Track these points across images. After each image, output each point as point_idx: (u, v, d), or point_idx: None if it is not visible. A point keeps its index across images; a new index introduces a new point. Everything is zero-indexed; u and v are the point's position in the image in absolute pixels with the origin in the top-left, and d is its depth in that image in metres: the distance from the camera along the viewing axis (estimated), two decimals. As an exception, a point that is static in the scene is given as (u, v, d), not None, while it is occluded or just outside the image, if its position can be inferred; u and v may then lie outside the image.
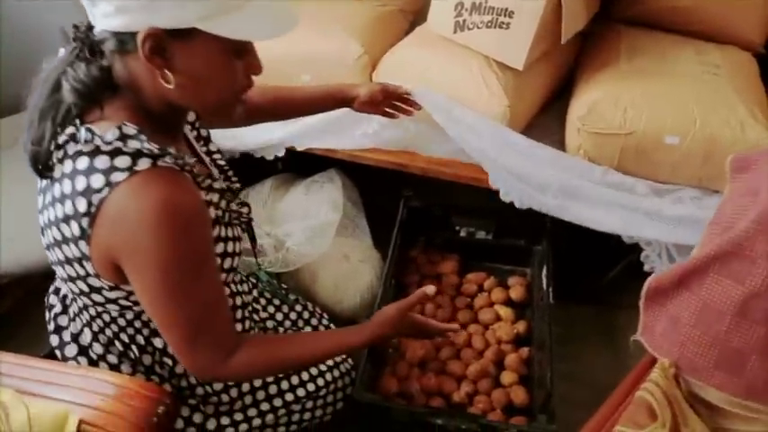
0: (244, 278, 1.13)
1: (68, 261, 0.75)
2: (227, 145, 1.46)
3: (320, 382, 1.10)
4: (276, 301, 1.23)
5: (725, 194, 0.79)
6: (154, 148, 0.69)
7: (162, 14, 0.64)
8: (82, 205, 0.68)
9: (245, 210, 0.94)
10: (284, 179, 1.64)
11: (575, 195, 1.22)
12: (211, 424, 0.96)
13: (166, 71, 0.68)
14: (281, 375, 1.05)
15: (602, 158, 1.21)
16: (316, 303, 1.36)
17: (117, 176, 0.67)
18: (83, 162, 0.68)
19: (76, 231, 0.70)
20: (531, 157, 1.23)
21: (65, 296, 0.90)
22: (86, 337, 0.86)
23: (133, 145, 0.68)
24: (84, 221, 0.68)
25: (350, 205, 1.58)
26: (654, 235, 1.20)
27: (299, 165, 1.65)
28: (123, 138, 0.68)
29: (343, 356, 1.18)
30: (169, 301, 0.73)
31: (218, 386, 0.98)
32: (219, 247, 0.83)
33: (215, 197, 0.83)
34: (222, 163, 0.97)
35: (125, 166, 0.67)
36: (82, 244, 0.71)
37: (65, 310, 0.90)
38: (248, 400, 1.01)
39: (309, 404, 1.10)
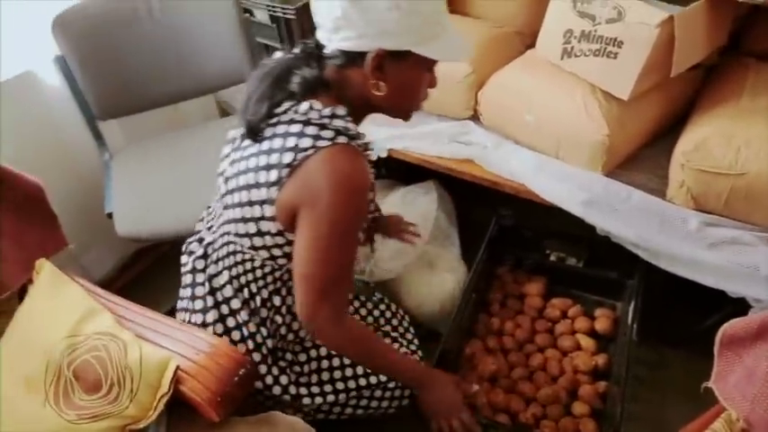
0: None
1: (250, 203, 0.92)
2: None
3: (387, 394, 1.17)
4: (362, 298, 1.32)
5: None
6: (353, 129, 0.89)
7: (390, 40, 0.83)
8: (288, 158, 0.86)
9: (374, 205, 1.12)
10: (385, 185, 1.73)
11: (666, 247, 1.19)
12: (293, 389, 1.06)
13: (380, 82, 0.87)
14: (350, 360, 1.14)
15: (708, 198, 1.15)
16: (398, 304, 1.43)
17: (322, 143, 0.85)
18: (296, 127, 0.87)
19: (273, 177, 0.87)
20: (626, 200, 1.20)
21: (209, 243, 1.05)
22: (222, 278, 1.02)
23: (338, 123, 0.87)
24: (285, 171, 0.86)
25: (443, 216, 1.63)
26: (762, 294, 1.12)
27: (403, 174, 1.73)
28: (333, 116, 0.87)
29: (419, 356, 1.24)
30: (321, 252, 0.89)
31: (303, 356, 1.10)
32: None
33: (369, 194, 1.01)
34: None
35: (329, 137, 0.86)
36: (273, 190, 0.88)
37: (205, 255, 1.05)
38: (326, 376, 1.11)
39: (378, 393, 1.17)
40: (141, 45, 1.45)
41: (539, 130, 1.33)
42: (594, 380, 1.31)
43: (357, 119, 0.95)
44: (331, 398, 1.10)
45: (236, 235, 0.97)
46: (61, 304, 0.94)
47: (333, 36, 0.86)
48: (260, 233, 0.94)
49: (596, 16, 1.15)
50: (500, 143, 1.42)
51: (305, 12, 1.53)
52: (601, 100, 1.22)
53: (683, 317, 1.44)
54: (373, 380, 1.14)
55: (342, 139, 0.86)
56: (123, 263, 1.72)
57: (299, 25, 1.54)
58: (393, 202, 1.58)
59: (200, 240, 1.09)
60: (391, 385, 1.17)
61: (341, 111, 0.88)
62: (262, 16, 1.60)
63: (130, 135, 1.63)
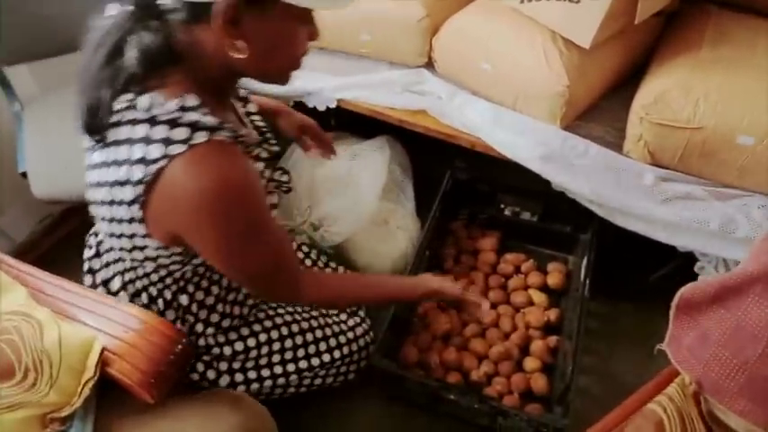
0: None
1: (116, 220, 0.77)
2: (278, 92, 1.48)
3: (336, 354, 1.13)
4: (308, 261, 1.25)
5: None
6: (212, 121, 0.70)
7: None
8: (138, 173, 0.69)
9: (285, 178, 0.95)
10: (333, 137, 1.63)
11: (622, 203, 1.16)
12: (224, 380, 1.00)
13: (239, 41, 0.68)
14: (299, 343, 1.09)
15: (664, 153, 1.13)
16: (346, 262, 1.38)
17: (174, 149, 0.67)
18: (141, 130, 0.69)
19: (130, 196, 0.71)
20: (583, 155, 1.16)
21: (100, 242, 0.94)
22: (115, 285, 0.91)
23: (190, 117, 0.69)
24: (139, 188, 0.70)
25: (398, 170, 1.57)
26: (710, 249, 1.12)
27: (353, 126, 1.64)
28: (183, 109, 0.69)
29: (365, 329, 1.20)
30: (243, 260, 0.78)
31: (236, 346, 1.02)
32: None
33: (261, 166, 0.86)
34: (261, 124, 0.98)
35: (182, 138, 0.68)
36: (134, 208, 0.72)
37: (98, 255, 0.94)
38: (263, 361, 1.05)
39: (322, 372, 1.13)
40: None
41: (496, 79, 1.26)
42: (546, 335, 1.32)
43: (220, 91, 0.79)
44: (268, 382, 1.06)
45: (115, 246, 0.83)
46: (-36, 280, 0.83)
47: None
48: (138, 248, 0.79)
49: (559, -45, 1.07)
50: (455, 93, 1.34)
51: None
52: (561, 48, 1.16)
53: (631, 270, 1.46)
54: (315, 362, 1.10)
55: (200, 137, 0.68)
56: (48, 223, 1.58)
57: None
58: (343, 159, 1.50)
59: (96, 234, 0.97)
60: (336, 364, 1.13)
61: (191, 101, 0.70)
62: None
63: (43, 83, 1.46)
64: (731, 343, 0.70)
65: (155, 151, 0.68)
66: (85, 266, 0.97)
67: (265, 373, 1.05)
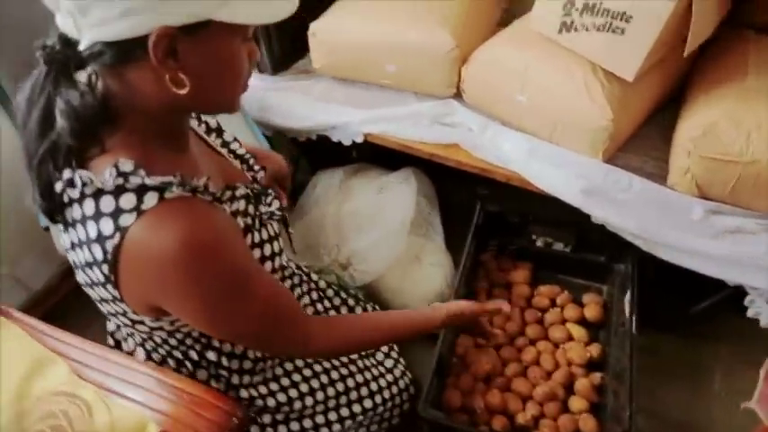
0: (294, 271, 1.11)
1: (104, 300, 0.71)
2: (304, 125, 1.45)
3: (378, 399, 1.09)
4: (337, 300, 1.21)
5: None
6: (156, 180, 0.62)
7: (173, 11, 0.57)
8: (99, 253, 0.63)
9: (275, 206, 0.87)
10: (356, 169, 1.60)
11: (668, 238, 1.14)
12: (255, 430, 0.95)
13: (179, 74, 0.61)
14: (340, 390, 1.04)
15: (713, 186, 1.10)
16: (378, 301, 1.34)
17: (125, 219, 0.61)
18: (89, 206, 0.63)
19: (101, 277, 0.65)
20: (627, 189, 1.13)
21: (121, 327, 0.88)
22: (140, 356, 0.86)
23: (135, 181, 0.62)
24: (105, 268, 0.64)
25: (425, 202, 1.53)
26: (761, 283, 1.09)
27: (375, 157, 1.60)
28: (121, 175, 0.61)
29: (402, 369, 1.16)
30: (226, 324, 0.71)
31: (279, 397, 0.97)
32: (257, 253, 0.80)
33: (241, 205, 0.78)
34: (242, 152, 0.93)
35: (131, 207, 0.61)
36: (110, 287, 0.66)
37: (118, 327, 0.88)
38: (307, 412, 1.01)
39: (366, 420, 1.09)
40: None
41: (531, 111, 1.23)
42: (589, 372, 1.28)
43: (174, 135, 0.71)
44: (309, 425, 1.02)
45: (120, 324, 0.77)
46: (1, 356, 0.78)
47: (81, 20, 0.57)
48: (138, 322, 0.73)
49: (602, -13, 1.04)
50: (487, 125, 1.31)
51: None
52: (603, 81, 1.12)
53: (671, 301, 1.43)
54: (356, 408, 1.06)
55: (150, 200, 0.61)
56: (65, 268, 1.52)
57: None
58: (369, 193, 1.46)
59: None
60: (379, 410, 1.09)
61: (125, 165, 0.62)
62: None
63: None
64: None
65: (106, 227, 0.62)
66: (109, 340, 0.91)
67: (308, 423, 1.01)
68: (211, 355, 0.85)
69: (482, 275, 1.47)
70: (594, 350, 1.30)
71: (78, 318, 1.21)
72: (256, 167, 0.94)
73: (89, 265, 0.65)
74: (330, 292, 1.21)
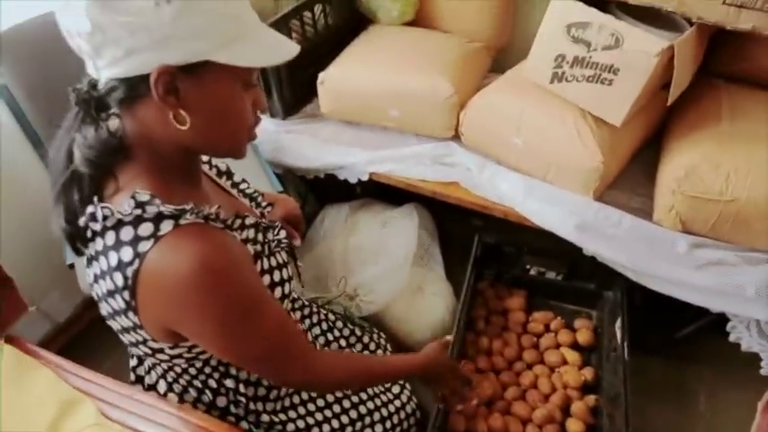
0: (305, 303, 1.08)
1: (125, 330, 0.68)
2: (313, 165, 1.43)
3: (388, 424, 1.06)
4: (346, 331, 1.18)
5: None
6: (170, 208, 0.62)
7: (174, 50, 0.57)
8: (119, 280, 0.62)
9: (282, 235, 0.84)
10: (361, 204, 1.58)
11: (655, 270, 1.12)
12: None
13: (181, 111, 0.60)
14: (354, 418, 1.01)
15: (695, 222, 1.09)
16: (384, 330, 1.30)
17: (143, 246, 0.60)
18: (110, 237, 0.62)
19: (122, 304, 0.64)
20: (617, 225, 1.13)
21: (143, 359, 0.85)
22: (161, 387, 0.82)
23: (151, 210, 0.61)
24: (126, 294, 0.62)
25: (425, 235, 1.51)
26: (744, 311, 1.08)
27: (378, 193, 1.58)
28: (139, 205, 0.61)
29: (408, 395, 1.13)
30: (238, 346, 0.68)
31: (299, 424, 0.94)
32: (266, 279, 0.77)
33: (250, 233, 0.76)
34: (251, 191, 0.91)
35: (148, 234, 0.60)
36: (131, 314, 0.64)
37: (140, 362, 0.85)
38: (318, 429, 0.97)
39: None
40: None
41: (527, 153, 1.22)
42: (584, 394, 1.25)
43: (185, 173, 0.70)
44: None
45: (140, 353, 0.74)
46: (33, 398, 0.74)
47: (98, 62, 0.58)
48: (156, 351, 0.71)
49: (592, 43, 1.04)
50: (484, 165, 1.30)
51: (273, 28, 1.34)
52: (592, 126, 1.12)
53: (659, 326, 1.40)
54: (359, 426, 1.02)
55: (166, 227, 0.61)
56: (87, 302, 1.48)
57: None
58: (374, 228, 1.44)
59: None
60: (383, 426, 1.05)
61: (142, 196, 0.61)
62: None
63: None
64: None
65: (126, 254, 0.61)
66: (131, 376, 0.87)
67: (326, 429, 0.97)
68: (229, 383, 0.82)
69: (480, 303, 1.45)
70: (588, 373, 1.28)
71: (99, 349, 1.16)
72: (263, 204, 0.93)
73: (111, 293, 0.64)
74: (339, 324, 1.18)
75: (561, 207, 1.18)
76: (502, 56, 1.59)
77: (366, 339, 1.21)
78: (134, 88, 0.59)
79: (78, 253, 0.67)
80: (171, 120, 0.61)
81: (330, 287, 1.35)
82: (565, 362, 1.32)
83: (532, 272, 1.47)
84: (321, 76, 1.40)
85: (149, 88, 0.58)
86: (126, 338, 0.71)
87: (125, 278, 0.61)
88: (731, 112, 1.15)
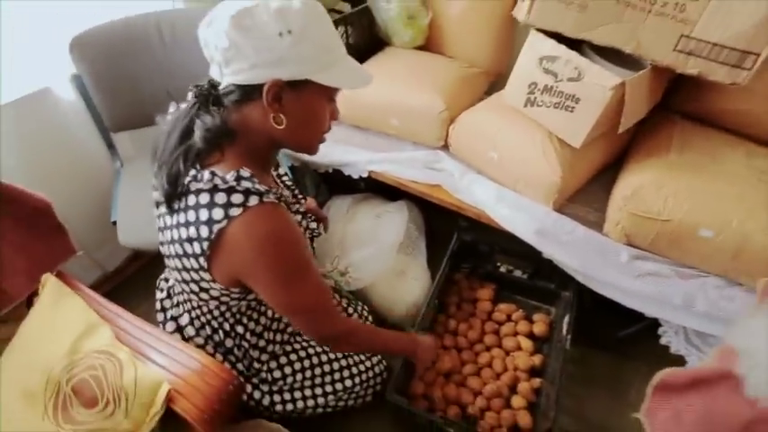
0: None
1: (186, 269, 0.76)
2: (323, 161, 1.48)
3: (357, 380, 1.10)
4: (334, 302, 1.22)
5: (756, 315, 0.68)
6: (261, 187, 0.70)
7: (286, 69, 0.66)
8: (204, 231, 0.69)
9: (314, 225, 0.96)
10: (362, 198, 1.62)
11: (601, 275, 1.12)
12: (266, 400, 0.97)
13: (280, 115, 0.69)
14: (326, 371, 1.06)
15: (638, 237, 1.09)
16: (367, 303, 1.34)
17: (234, 211, 0.68)
18: (204, 197, 0.69)
19: (198, 250, 0.71)
20: (570, 233, 1.13)
21: (171, 287, 0.93)
22: (184, 320, 0.89)
23: (245, 185, 0.69)
24: (205, 244, 0.70)
25: (414, 228, 1.54)
26: (673, 318, 1.07)
27: (378, 189, 1.62)
28: (239, 179, 0.69)
29: (380, 359, 1.17)
30: (290, 297, 0.76)
31: (278, 373, 0.99)
32: None
33: (299, 218, 0.86)
34: (289, 183, 0.99)
35: (239, 202, 0.68)
36: (201, 259, 0.72)
37: (169, 296, 0.93)
38: (297, 385, 1.02)
39: (345, 396, 1.09)
40: (152, 67, 1.28)
41: (501, 165, 1.24)
42: (531, 377, 1.26)
43: (265, 160, 0.78)
44: (301, 404, 1.03)
45: (185, 290, 0.82)
46: (63, 319, 0.81)
47: (224, 70, 0.68)
48: (204, 290, 0.78)
49: (558, 74, 1.05)
50: (465, 172, 1.32)
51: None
52: (557, 146, 1.13)
53: (606, 323, 1.40)
54: (339, 386, 1.07)
55: (253, 201, 0.69)
56: (132, 254, 1.57)
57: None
58: (370, 217, 1.47)
59: (166, 279, 0.96)
60: (356, 389, 1.10)
61: (245, 172, 0.70)
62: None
63: (141, 146, 1.47)
64: (703, 426, 0.65)
65: (217, 214, 0.68)
66: (158, 305, 0.96)
67: (298, 395, 1.03)
68: (240, 329, 0.89)
69: (454, 291, 1.47)
70: (537, 359, 1.29)
71: (140, 293, 1.24)
72: (299, 196, 1.01)
73: (190, 240, 0.71)
74: (333, 295, 1.23)
75: (525, 214, 1.20)
76: (499, 80, 1.60)
77: (351, 310, 1.26)
78: (248, 93, 0.69)
79: (170, 206, 0.74)
80: (270, 120, 0.70)
81: (325, 263, 1.40)
82: (519, 348, 1.33)
83: (502, 269, 1.48)
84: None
85: (260, 95, 0.68)
86: (178, 275, 0.79)
87: (210, 232, 0.69)
88: (681, 144, 1.14)
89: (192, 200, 0.70)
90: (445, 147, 1.40)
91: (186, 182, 0.70)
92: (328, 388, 1.06)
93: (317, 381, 1.05)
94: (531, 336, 1.36)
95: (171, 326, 0.91)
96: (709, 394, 0.64)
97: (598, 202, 1.23)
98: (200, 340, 0.89)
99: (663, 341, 1.15)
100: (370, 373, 1.14)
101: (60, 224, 0.98)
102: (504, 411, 1.18)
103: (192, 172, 0.70)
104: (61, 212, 1.06)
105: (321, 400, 1.05)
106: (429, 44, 1.62)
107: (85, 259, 1.43)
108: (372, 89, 1.41)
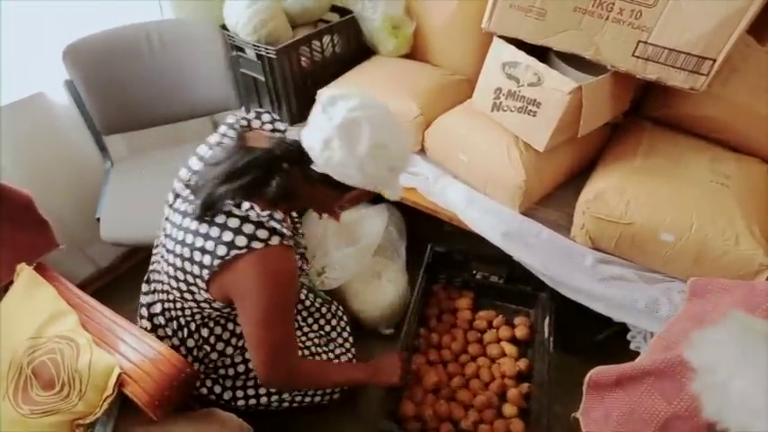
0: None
1: (183, 270, 0.81)
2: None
3: None
4: (308, 302, 1.25)
5: (678, 313, 0.68)
6: (286, 231, 0.79)
7: (358, 180, 0.79)
8: (221, 250, 0.76)
9: (304, 243, 1.06)
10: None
11: (567, 279, 1.13)
12: (227, 395, 1.00)
13: (307, 188, 0.83)
14: None
15: (602, 240, 1.09)
16: (342, 303, 1.36)
17: (256, 244, 0.76)
18: (234, 222, 0.77)
19: (207, 262, 0.78)
20: (536, 236, 1.13)
21: (153, 269, 0.97)
22: (156, 308, 0.93)
23: (273, 225, 0.78)
24: (217, 262, 0.77)
25: (394, 231, 1.55)
26: (638, 323, 1.06)
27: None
28: (270, 218, 0.78)
29: (349, 358, 1.18)
30: (262, 330, 0.82)
31: (242, 367, 1.01)
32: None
33: (298, 257, 0.94)
34: (297, 220, 1.08)
35: (263, 238, 0.76)
36: (206, 272, 0.78)
37: (148, 281, 0.97)
38: (250, 383, 1.04)
39: (311, 392, 1.10)
40: (141, 73, 1.35)
41: (470, 168, 1.25)
42: (518, 382, 1.25)
43: (289, 210, 0.90)
44: (264, 399, 1.04)
45: (171, 285, 0.86)
46: (31, 306, 0.86)
47: (327, 162, 0.77)
48: (191, 292, 0.84)
49: (520, 79, 1.07)
50: (440, 176, 1.34)
51: (285, 52, 1.44)
52: (522, 149, 1.14)
53: (583, 328, 1.38)
54: None
55: (274, 240, 0.77)
56: (125, 252, 1.63)
57: (280, 63, 1.45)
58: (350, 220, 1.50)
59: (148, 280, 1.00)
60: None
61: (278, 215, 0.79)
62: (250, 53, 1.50)
63: (133, 147, 1.53)
64: (627, 423, 0.65)
65: (240, 241, 0.76)
66: (143, 288, 1.00)
67: (262, 390, 1.05)
68: (204, 332, 0.93)
69: (434, 303, 1.46)
70: (523, 364, 1.28)
71: (130, 290, 1.27)
72: (301, 231, 1.10)
73: (203, 251, 0.78)
74: (303, 293, 1.25)
75: (493, 217, 1.21)
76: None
77: (324, 310, 1.28)
78: (330, 184, 0.80)
79: (201, 219, 0.79)
80: (335, 209, 0.90)
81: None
82: (504, 354, 1.32)
83: (478, 276, 1.47)
84: (319, 92, 1.49)
85: (334, 189, 0.81)
86: (171, 271, 0.84)
87: (227, 254, 0.76)
88: (648, 149, 1.14)
89: (221, 218, 0.77)
90: (422, 151, 1.42)
91: (227, 206, 0.77)
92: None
93: None
94: (513, 340, 1.35)
95: (144, 311, 0.95)
96: (635, 392, 0.64)
97: (570, 206, 1.22)
98: (168, 330, 0.93)
99: (632, 347, 1.14)
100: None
101: (43, 218, 1.03)
102: (498, 422, 1.16)
103: (239, 200, 0.78)
104: (54, 210, 1.12)
105: (286, 396, 1.07)
106: (415, 53, 1.65)
107: (79, 255, 1.49)
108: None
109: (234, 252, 0.75)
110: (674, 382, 0.59)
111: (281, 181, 0.79)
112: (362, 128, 0.76)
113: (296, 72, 1.50)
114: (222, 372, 0.99)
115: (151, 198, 1.27)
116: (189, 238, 0.79)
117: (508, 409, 1.19)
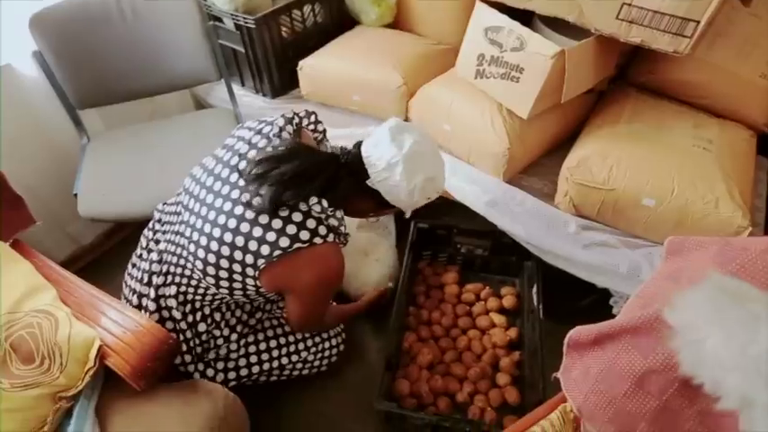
0: None
1: (226, 257, 0.81)
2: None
3: (312, 350, 1.12)
4: None
5: (655, 271, 0.68)
6: (343, 230, 0.86)
7: (401, 201, 0.87)
8: (284, 242, 0.79)
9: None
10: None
11: (550, 246, 1.13)
12: (219, 377, 1.00)
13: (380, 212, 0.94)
14: (282, 342, 1.09)
15: (585, 207, 1.09)
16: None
17: (317, 240, 0.80)
18: (298, 216, 0.80)
19: (265, 252, 0.79)
20: (520, 204, 1.13)
21: (164, 250, 0.93)
22: (169, 290, 0.91)
23: (332, 222, 0.83)
24: (277, 252, 0.79)
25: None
26: (620, 288, 1.08)
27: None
28: (332, 215, 0.82)
29: (337, 331, 1.19)
30: (308, 312, 0.91)
31: (234, 345, 1.02)
32: None
33: None
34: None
35: (323, 234, 0.81)
36: (261, 261, 0.80)
37: (160, 261, 0.93)
38: (253, 352, 1.04)
39: (300, 365, 1.11)
40: (113, 43, 1.29)
41: (454, 138, 1.24)
42: (510, 351, 1.26)
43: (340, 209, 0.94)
44: (256, 369, 1.05)
45: (200, 269, 0.85)
46: (8, 281, 0.84)
47: (383, 181, 0.84)
48: (230, 279, 0.84)
49: (503, 44, 1.05)
50: (424, 147, 1.32)
51: (264, 22, 1.39)
52: (505, 117, 1.13)
53: (568, 295, 1.39)
54: (294, 357, 1.09)
55: (331, 238, 0.82)
56: (108, 229, 1.60)
57: (259, 33, 1.40)
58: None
59: (157, 242, 0.97)
60: (309, 358, 1.12)
61: (339, 214, 0.86)
62: (228, 23, 1.45)
63: (110, 123, 1.48)
64: (605, 379, 0.66)
65: (305, 235, 0.79)
66: (146, 266, 0.94)
67: (254, 359, 1.05)
68: (217, 317, 0.94)
69: (420, 280, 1.45)
70: (513, 333, 1.29)
71: (116, 266, 1.26)
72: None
73: (259, 240, 0.79)
74: None
75: (477, 185, 1.20)
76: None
77: None
78: (371, 193, 0.87)
79: (261, 211, 0.80)
80: (366, 209, 0.93)
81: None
82: (493, 325, 1.32)
83: (463, 250, 1.47)
84: (300, 63, 1.46)
85: (374, 198, 0.87)
86: (202, 255, 0.83)
87: (290, 246, 0.78)
88: (631, 115, 1.13)
89: (284, 211, 0.79)
90: (406, 121, 1.39)
91: (294, 200, 0.79)
92: (284, 360, 1.08)
93: (274, 353, 1.07)
94: (501, 310, 1.36)
95: (149, 291, 0.92)
96: (613, 349, 0.65)
97: (555, 174, 1.22)
98: (177, 314, 0.91)
99: (615, 311, 1.16)
100: (327, 344, 1.15)
101: (17, 195, 1.00)
102: (492, 391, 1.17)
103: (307, 195, 0.80)
104: (31, 188, 1.08)
105: (276, 371, 1.08)
106: (398, 22, 1.61)
107: (59, 233, 1.46)
108: (334, 66, 1.45)
109: (296, 245, 0.78)
110: (650, 338, 0.60)
111: (345, 186, 0.84)
112: (424, 162, 0.84)
113: (276, 43, 1.46)
114: (220, 352, 1.00)
115: (129, 173, 1.25)
116: (244, 227, 0.79)
117: (502, 378, 1.20)
